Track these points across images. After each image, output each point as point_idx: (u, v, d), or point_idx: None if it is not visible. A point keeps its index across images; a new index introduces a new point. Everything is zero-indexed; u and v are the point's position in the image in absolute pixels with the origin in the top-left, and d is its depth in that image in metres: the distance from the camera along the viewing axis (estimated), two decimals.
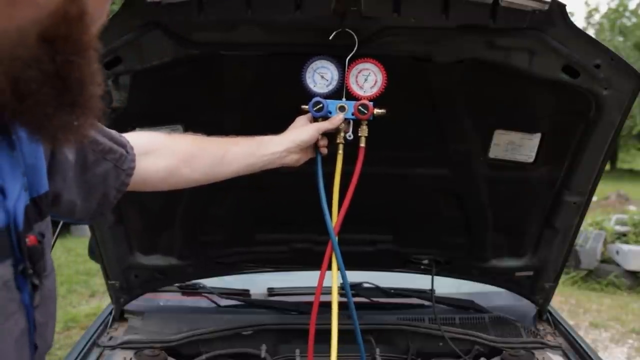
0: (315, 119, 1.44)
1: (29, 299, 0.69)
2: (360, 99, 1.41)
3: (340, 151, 1.46)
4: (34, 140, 0.69)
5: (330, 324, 1.41)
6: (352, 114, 1.42)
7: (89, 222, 1.14)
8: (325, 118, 1.44)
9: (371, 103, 1.41)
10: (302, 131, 1.40)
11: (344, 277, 1.46)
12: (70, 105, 0.64)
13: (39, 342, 0.74)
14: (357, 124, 1.44)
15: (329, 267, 1.46)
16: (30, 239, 0.70)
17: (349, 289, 1.48)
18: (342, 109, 1.42)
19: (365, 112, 1.40)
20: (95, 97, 0.66)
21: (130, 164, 1.15)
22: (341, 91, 1.43)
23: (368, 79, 1.41)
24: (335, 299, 1.43)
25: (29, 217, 0.71)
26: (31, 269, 0.69)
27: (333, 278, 1.46)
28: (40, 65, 0.60)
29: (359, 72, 1.42)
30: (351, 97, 1.43)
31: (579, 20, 26.61)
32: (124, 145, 1.13)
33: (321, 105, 1.41)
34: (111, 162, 1.09)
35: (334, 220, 1.45)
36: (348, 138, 1.44)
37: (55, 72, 0.61)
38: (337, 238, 1.45)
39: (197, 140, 1.32)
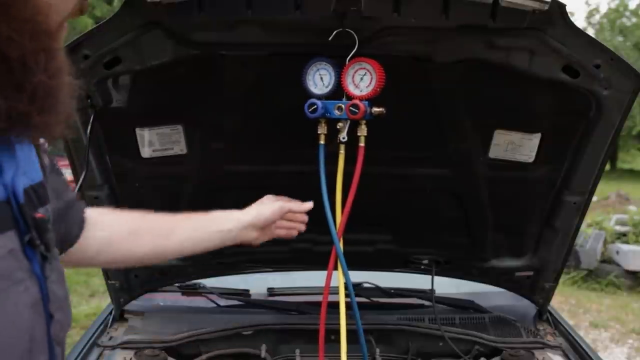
0: (317, 120, 1.44)
1: (39, 269, 0.70)
2: (356, 99, 1.41)
3: (342, 151, 1.46)
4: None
5: (334, 324, 1.42)
6: (345, 114, 1.42)
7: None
8: (324, 118, 1.44)
9: (365, 102, 1.40)
10: (265, 208, 1.36)
11: (347, 277, 1.46)
12: (13, 88, 0.62)
13: (59, 315, 0.75)
14: (356, 123, 1.44)
15: (335, 267, 1.47)
16: (39, 214, 0.72)
17: (352, 290, 1.49)
18: (339, 109, 1.42)
19: (357, 111, 1.40)
20: (48, 87, 0.64)
21: (82, 202, 1.12)
22: (341, 92, 1.43)
23: (364, 78, 1.41)
24: (342, 300, 1.44)
25: (31, 198, 0.72)
26: (38, 240, 0.70)
27: (340, 280, 1.46)
28: None
29: (355, 72, 1.41)
30: (348, 96, 1.43)
31: (579, 20, 26.61)
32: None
33: (315, 106, 1.41)
34: (73, 192, 1.08)
35: (338, 220, 1.46)
36: (342, 139, 1.44)
37: None
38: (341, 238, 1.46)
39: (142, 214, 1.26)
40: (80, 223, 1.11)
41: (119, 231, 1.20)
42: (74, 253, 1.10)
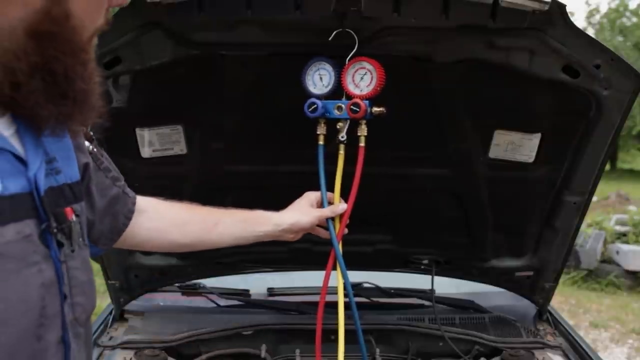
0: (317, 120, 1.44)
1: (55, 254, 0.78)
2: (356, 98, 1.41)
3: (342, 151, 1.46)
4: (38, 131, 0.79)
5: (332, 324, 1.42)
6: (345, 114, 1.42)
7: (99, 250, 1.20)
8: (323, 118, 1.44)
9: (365, 102, 1.40)
10: (302, 217, 1.42)
11: (345, 277, 1.46)
12: (60, 96, 0.75)
13: (81, 298, 0.84)
14: (356, 123, 1.44)
15: (334, 267, 1.46)
16: (67, 210, 0.83)
17: (351, 289, 1.49)
18: (339, 108, 1.42)
19: (358, 110, 1.40)
20: (85, 91, 0.77)
21: (132, 193, 1.21)
22: (340, 92, 1.43)
23: (364, 77, 1.41)
24: (341, 301, 1.44)
25: (66, 194, 0.84)
26: (56, 229, 0.79)
27: (339, 281, 1.46)
28: (28, 57, 0.70)
29: (355, 71, 1.41)
30: (348, 96, 1.43)
31: (579, 20, 26.55)
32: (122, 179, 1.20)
33: (315, 106, 1.41)
34: (120, 188, 1.17)
35: (337, 224, 1.46)
36: (341, 139, 1.44)
37: (43, 65, 0.71)
38: (340, 240, 1.45)
39: (191, 207, 1.35)
40: (128, 214, 1.20)
41: (168, 222, 1.30)
42: (127, 238, 1.22)
